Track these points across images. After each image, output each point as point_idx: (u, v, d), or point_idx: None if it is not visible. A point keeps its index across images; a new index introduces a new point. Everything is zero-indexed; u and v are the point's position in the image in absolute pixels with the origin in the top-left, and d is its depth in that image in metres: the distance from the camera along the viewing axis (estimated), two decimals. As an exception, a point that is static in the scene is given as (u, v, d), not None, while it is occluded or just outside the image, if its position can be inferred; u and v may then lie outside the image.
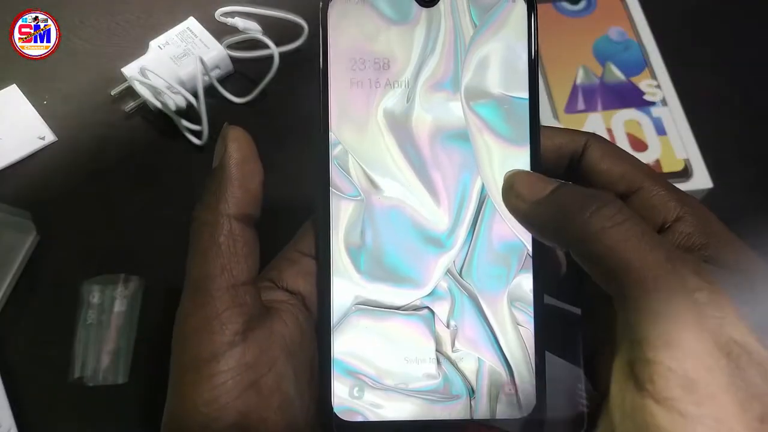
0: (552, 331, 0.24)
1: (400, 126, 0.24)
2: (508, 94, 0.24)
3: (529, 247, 0.24)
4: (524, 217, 0.23)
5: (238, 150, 0.22)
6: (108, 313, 0.43)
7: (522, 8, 0.24)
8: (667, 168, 0.44)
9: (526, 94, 0.24)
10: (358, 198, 0.24)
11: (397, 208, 0.24)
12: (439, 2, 0.24)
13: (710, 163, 0.44)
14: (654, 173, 0.23)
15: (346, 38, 0.24)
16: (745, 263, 0.20)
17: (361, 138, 0.24)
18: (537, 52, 0.24)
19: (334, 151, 0.24)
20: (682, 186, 0.43)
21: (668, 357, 0.17)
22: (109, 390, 0.42)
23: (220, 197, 0.22)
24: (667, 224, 0.22)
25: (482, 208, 0.24)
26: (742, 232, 0.50)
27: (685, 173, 0.43)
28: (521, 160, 0.24)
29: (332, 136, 0.24)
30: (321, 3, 0.24)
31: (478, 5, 0.24)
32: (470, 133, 0.24)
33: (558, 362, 0.26)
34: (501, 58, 0.24)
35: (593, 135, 0.25)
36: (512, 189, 0.23)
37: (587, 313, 0.26)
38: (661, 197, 0.22)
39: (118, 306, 0.44)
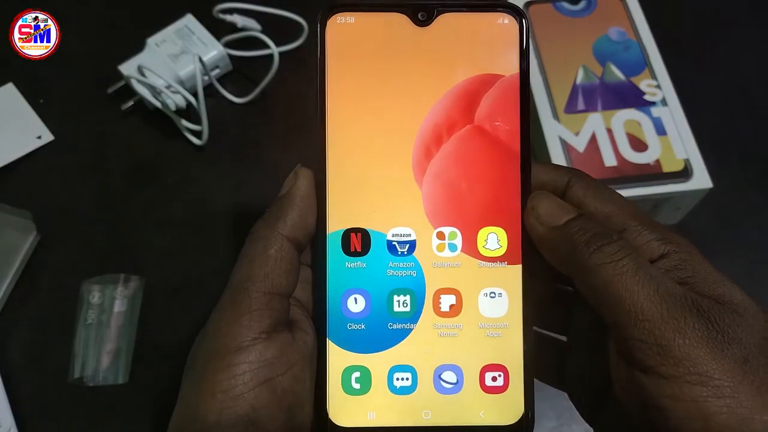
0: (539, 357, 0.25)
1: (397, 150, 0.25)
2: (499, 123, 0.25)
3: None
4: (538, 240, 0.24)
5: (306, 186, 0.25)
6: (108, 313, 0.43)
7: (513, 29, 0.25)
8: (667, 168, 0.44)
9: (517, 123, 0.25)
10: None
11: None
12: (433, 22, 0.25)
13: (710, 163, 0.44)
14: (639, 213, 0.24)
15: (344, 59, 0.25)
16: (729, 296, 0.21)
17: (357, 164, 0.25)
18: (528, 74, 0.25)
19: (330, 176, 0.25)
20: (682, 186, 0.43)
21: (637, 331, 0.20)
22: (109, 390, 0.42)
23: (280, 218, 0.24)
24: (651, 262, 0.22)
25: None
26: (742, 232, 0.50)
27: (685, 173, 0.43)
28: (512, 192, 0.25)
29: (329, 163, 0.25)
30: (318, 24, 0.25)
31: (471, 26, 0.25)
32: (462, 162, 0.25)
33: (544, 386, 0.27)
34: (492, 81, 0.25)
35: (576, 172, 0.25)
36: (534, 211, 0.24)
37: (572, 341, 0.27)
38: (645, 237, 0.23)
39: (118, 306, 0.44)
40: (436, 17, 0.25)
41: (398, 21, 0.25)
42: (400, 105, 0.25)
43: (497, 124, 0.25)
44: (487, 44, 0.25)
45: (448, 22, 0.25)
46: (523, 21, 0.25)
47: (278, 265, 0.23)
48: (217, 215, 0.48)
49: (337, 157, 0.25)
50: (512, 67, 0.25)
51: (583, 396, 0.26)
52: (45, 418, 0.42)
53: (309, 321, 0.25)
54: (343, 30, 0.25)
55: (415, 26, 0.25)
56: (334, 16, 0.25)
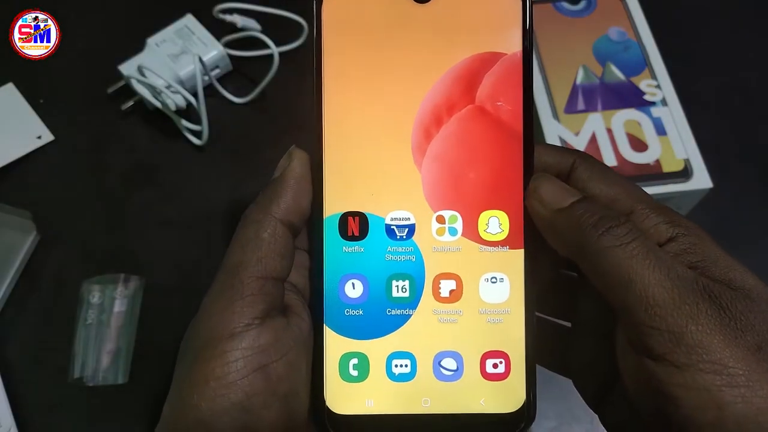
0: (543, 343, 0.25)
1: (396, 132, 0.24)
2: (501, 103, 0.24)
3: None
4: (543, 223, 0.23)
5: (299, 168, 0.24)
6: (108, 313, 0.43)
7: (516, 5, 0.24)
8: (667, 168, 0.44)
9: (520, 103, 0.24)
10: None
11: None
12: None
13: (710, 163, 0.44)
14: (645, 196, 0.23)
15: (341, 38, 0.24)
16: (740, 281, 0.21)
17: (354, 146, 0.24)
18: (531, 54, 0.24)
19: (327, 159, 0.24)
20: (682, 186, 0.43)
21: (648, 317, 0.19)
22: (109, 390, 0.42)
23: (273, 200, 0.24)
24: (660, 245, 0.22)
25: None
26: (742, 232, 0.50)
27: (685, 173, 0.43)
28: (514, 174, 0.24)
29: (326, 146, 0.24)
30: (315, 2, 0.24)
31: (472, 2, 0.24)
32: (463, 144, 0.24)
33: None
34: (494, 60, 0.24)
35: (580, 154, 0.25)
36: (536, 193, 0.23)
37: (577, 327, 0.27)
38: (652, 220, 0.22)
39: (118, 306, 0.44)
40: None
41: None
42: (399, 85, 0.24)
43: (499, 104, 0.24)
44: (489, 22, 0.24)
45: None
46: None
47: (272, 248, 0.23)
48: (217, 215, 0.48)
49: (334, 139, 0.24)
50: (515, 45, 0.24)
51: (589, 383, 0.25)
52: (45, 418, 0.42)
53: (305, 306, 0.25)
54: (340, 7, 0.24)
55: (414, 3, 0.24)
56: None
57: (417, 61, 0.24)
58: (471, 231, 0.24)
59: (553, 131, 0.45)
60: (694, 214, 0.46)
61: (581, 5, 0.50)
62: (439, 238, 0.24)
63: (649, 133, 0.45)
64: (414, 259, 0.24)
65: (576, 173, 0.24)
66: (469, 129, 0.24)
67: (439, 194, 0.24)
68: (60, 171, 0.50)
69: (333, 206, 0.24)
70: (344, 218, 0.24)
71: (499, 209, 0.24)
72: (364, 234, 0.24)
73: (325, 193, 0.24)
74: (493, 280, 0.24)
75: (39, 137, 0.51)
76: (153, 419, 0.41)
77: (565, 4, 0.50)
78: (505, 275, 0.24)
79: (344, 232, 0.24)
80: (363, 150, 0.24)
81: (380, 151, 0.24)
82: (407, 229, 0.24)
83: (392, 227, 0.24)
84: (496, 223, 0.24)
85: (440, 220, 0.24)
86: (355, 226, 0.24)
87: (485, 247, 0.24)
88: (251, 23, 0.53)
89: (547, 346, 0.25)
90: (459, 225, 0.24)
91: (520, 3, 0.24)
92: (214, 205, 0.49)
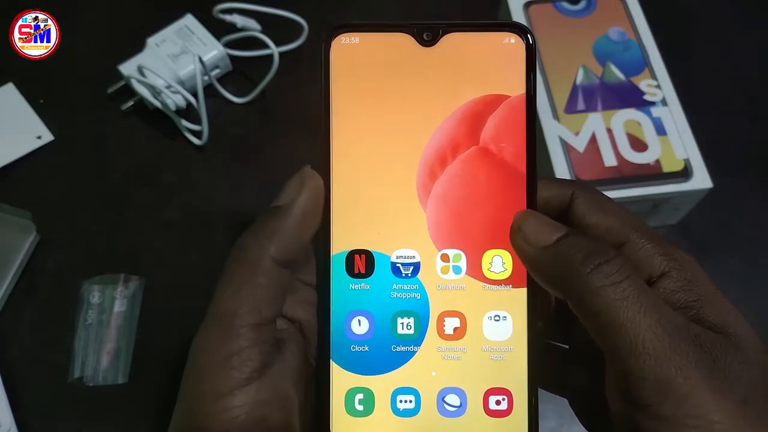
0: (541, 365, 0.25)
1: (401, 172, 0.25)
2: (504, 144, 0.24)
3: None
4: (528, 261, 0.23)
5: (309, 200, 0.23)
6: (108, 313, 0.43)
7: (520, 48, 0.24)
8: (667, 168, 0.44)
9: (523, 144, 0.24)
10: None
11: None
12: (438, 42, 0.24)
13: (710, 163, 0.44)
14: (642, 225, 0.23)
15: (349, 80, 0.24)
16: (733, 326, 0.20)
17: (361, 186, 0.25)
18: (534, 96, 0.24)
19: (334, 198, 0.25)
20: (682, 186, 0.43)
21: (637, 366, 0.19)
22: (109, 390, 0.42)
23: (272, 238, 0.23)
24: (653, 279, 0.22)
25: None
26: (742, 232, 0.50)
27: (685, 173, 0.43)
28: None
29: (333, 185, 0.25)
30: (323, 45, 0.24)
31: (476, 45, 0.24)
32: (467, 184, 0.24)
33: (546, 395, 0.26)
34: (498, 102, 0.24)
35: (579, 186, 0.24)
36: (519, 231, 0.23)
37: (574, 350, 0.27)
38: (647, 251, 0.22)
39: (118, 306, 0.44)
40: (441, 37, 0.24)
41: (403, 41, 0.24)
42: (405, 126, 0.24)
43: (503, 145, 0.24)
44: (493, 64, 0.24)
45: (453, 42, 0.24)
46: (530, 40, 0.24)
47: (268, 294, 0.23)
48: (216, 215, 0.48)
49: (341, 179, 0.25)
50: (518, 87, 0.24)
51: (584, 405, 0.25)
52: (45, 418, 0.42)
53: (295, 338, 0.25)
54: (347, 50, 0.24)
55: (421, 46, 0.24)
56: (338, 37, 0.24)
57: (422, 102, 0.24)
58: (475, 269, 0.24)
59: (553, 131, 0.45)
60: (694, 214, 0.46)
61: (581, 5, 0.50)
62: (443, 276, 0.25)
63: (649, 133, 0.45)
64: (419, 297, 0.25)
65: (574, 205, 0.24)
66: (473, 169, 0.24)
67: (443, 233, 0.25)
68: (60, 171, 0.50)
69: (340, 244, 0.25)
70: (351, 256, 0.25)
71: (503, 248, 0.24)
72: (371, 271, 0.25)
73: (332, 231, 0.25)
74: (497, 318, 0.24)
75: (39, 137, 0.51)
76: (153, 419, 0.41)
77: (565, 4, 0.50)
78: (508, 313, 0.24)
79: (351, 270, 0.25)
80: (369, 189, 0.25)
81: (386, 190, 0.24)
82: (412, 267, 0.25)
83: (398, 265, 0.25)
84: (499, 262, 0.24)
85: (444, 258, 0.25)
86: (362, 263, 0.25)
87: (489, 285, 0.24)
88: (251, 23, 0.53)
89: (545, 367, 0.25)
90: (463, 263, 0.25)
91: (524, 46, 0.24)
92: (214, 204, 0.49)
